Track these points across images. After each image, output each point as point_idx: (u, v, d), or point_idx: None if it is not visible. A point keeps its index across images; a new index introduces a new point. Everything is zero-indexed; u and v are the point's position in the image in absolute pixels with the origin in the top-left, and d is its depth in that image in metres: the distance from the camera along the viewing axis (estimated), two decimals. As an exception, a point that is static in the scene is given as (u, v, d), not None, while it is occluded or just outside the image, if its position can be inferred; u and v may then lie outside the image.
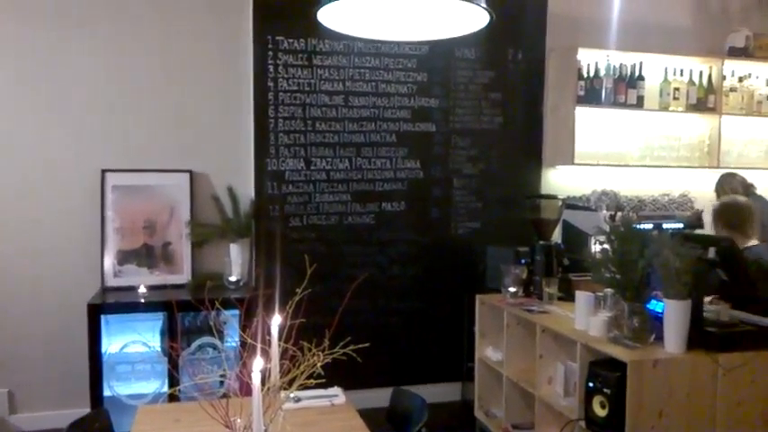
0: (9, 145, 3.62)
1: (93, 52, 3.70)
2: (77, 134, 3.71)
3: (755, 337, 2.47)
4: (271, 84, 3.89)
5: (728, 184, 4.19)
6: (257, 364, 1.34)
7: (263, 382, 1.46)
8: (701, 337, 2.40)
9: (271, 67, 3.89)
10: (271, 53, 3.88)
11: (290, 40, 3.90)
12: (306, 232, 4.00)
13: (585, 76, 4.29)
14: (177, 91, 3.83)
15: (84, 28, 3.68)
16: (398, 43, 4.05)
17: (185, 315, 3.58)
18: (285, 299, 1.74)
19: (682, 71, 4.45)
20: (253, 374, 1.34)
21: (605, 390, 2.40)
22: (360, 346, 1.61)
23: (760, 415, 2.45)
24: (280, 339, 1.63)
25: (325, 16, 1.84)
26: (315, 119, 3.98)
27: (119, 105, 3.76)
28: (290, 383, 1.60)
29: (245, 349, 1.58)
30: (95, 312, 3.34)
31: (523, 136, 4.36)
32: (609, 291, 2.67)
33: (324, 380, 1.56)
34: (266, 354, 1.60)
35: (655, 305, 2.51)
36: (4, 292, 3.64)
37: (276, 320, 1.69)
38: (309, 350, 1.57)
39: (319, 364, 1.53)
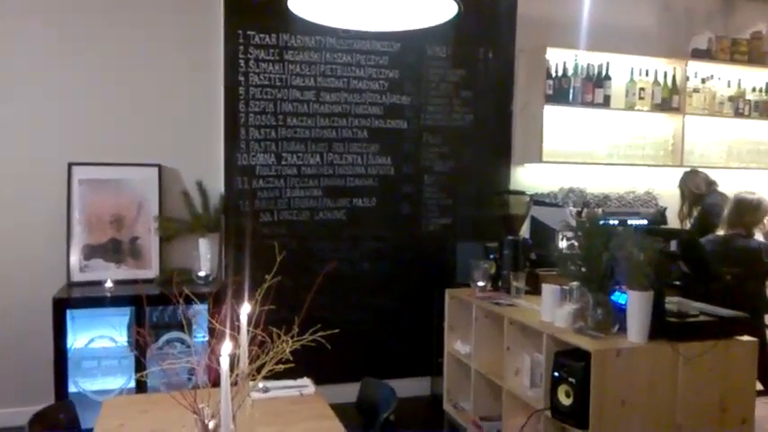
0: (-28, 137, 3.55)
1: (62, 45, 3.65)
2: (44, 127, 3.65)
3: (715, 327, 2.55)
4: (242, 78, 3.88)
5: (692, 181, 4.31)
6: (226, 347, 1.34)
7: (231, 369, 1.47)
8: (663, 327, 2.47)
9: (242, 62, 3.87)
10: (242, 48, 3.87)
11: (262, 35, 3.89)
12: (276, 227, 3.99)
13: (554, 75, 4.36)
14: (147, 85, 3.79)
15: (53, 20, 3.62)
16: (370, 40, 4.08)
17: (153, 310, 3.55)
18: (254, 292, 1.73)
19: (647, 71, 4.56)
20: (221, 358, 1.35)
21: (570, 379, 2.45)
22: (329, 332, 1.62)
23: (718, 402, 2.52)
24: (249, 325, 1.63)
25: (296, 5, 1.85)
26: (286, 114, 3.97)
27: (87, 99, 3.70)
28: (259, 370, 1.61)
29: (214, 336, 1.58)
30: (61, 307, 3.29)
31: (493, 134, 4.42)
32: (574, 284, 2.72)
33: (293, 364, 1.57)
34: (235, 340, 1.60)
35: (618, 297, 2.57)
36: (-35, 286, 3.57)
37: (245, 308, 1.70)
38: (279, 336, 1.57)
39: (288, 350, 1.53)
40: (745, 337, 2.57)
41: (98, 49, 3.71)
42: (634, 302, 2.44)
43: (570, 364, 2.46)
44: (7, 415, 3.59)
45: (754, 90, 4.83)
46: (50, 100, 3.65)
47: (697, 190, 4.27)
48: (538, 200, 4.11)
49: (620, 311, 2.53)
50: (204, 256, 3.74)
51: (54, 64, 3.65)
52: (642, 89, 4.53)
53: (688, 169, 4.45)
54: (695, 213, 4.26)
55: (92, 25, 3.69)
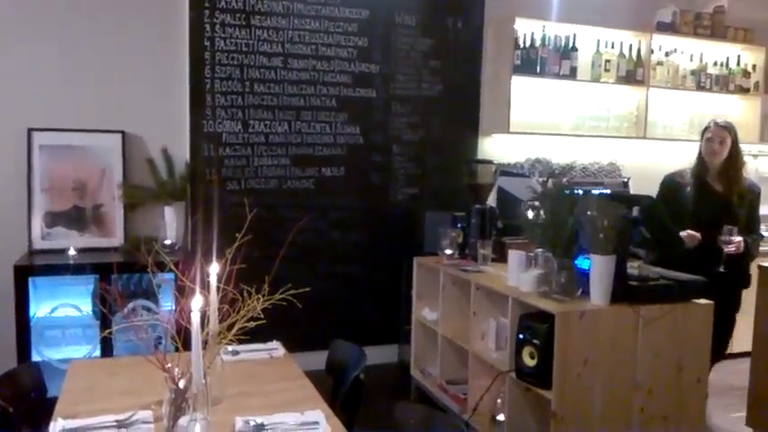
0: (-76, 99, 3.42)
1: (22, 10, 3.51)
2: (3, 90, 3.53)
3: (674, 290, 2.63)
4: (207, 43, 3.80)
5: None
6: (196, 302, 1.34)
7: (201, 327, 1.46)
8: (625, 290, 2.54)
9: (207, 26, 3.80)
10: (207, 12, 3.79)
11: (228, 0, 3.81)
12: (244, 196, 3.94)
13: (522, 46, 4.38)
14: (109, 48, 3.69)
15: (6, -23, 3.49)
16: (339, 6, 4.03)
17: (118, 279, 3.50)
18: (223, 252, 1.72)
19: (613, 44, 4.61)
20: (192, 314, 1.35)
21: (534, 341, 2.51)
22: (300, 290, 1.63)
23: (675, 363, 2.61)
24: (219, 283, 1.63)
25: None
26: (253, 80, 3.92)
27: (47, 62, 3.59)
28: (230, 329, 1.61)
29: (183, 295, 1.57)
30: (23, 275, 3.22)
31: (462, 104, 4.43)
32: (540, 250, 2.77)
33: (263, 320, 1.57)
34: (205, 298, 1.60)
35: (582, 262, 2.63)
36: None
37: (215, 267, 1.69)
38: (249, 295, 1.58)
39: (259, 308, 1.54)
40: (702, 301, 2.66)
41: (59, 14, 3.58)
42: (597, 266, 2.50)
43: (534, 326, 2.52)
44: (-32, 385, 3.52)
45: (715, 64, 4.93)
46: (8, 64, 3.52)
47: None
48: (505, 170, 4.15)
49: (584, 276, 2.59)
50: (170, 225, 3.70)
51: (13, 28, 3.52)
52: (608, 61, 4.58)
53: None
54: None
55: (50, -15, 3.56)
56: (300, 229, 4.04)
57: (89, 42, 3.65)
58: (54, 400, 1.94)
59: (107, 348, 3.34)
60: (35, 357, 3.30)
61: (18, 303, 3.21)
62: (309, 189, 4.11)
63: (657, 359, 2.58)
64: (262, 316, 1.55)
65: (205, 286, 1.62)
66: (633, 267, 2.70)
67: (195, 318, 1.33)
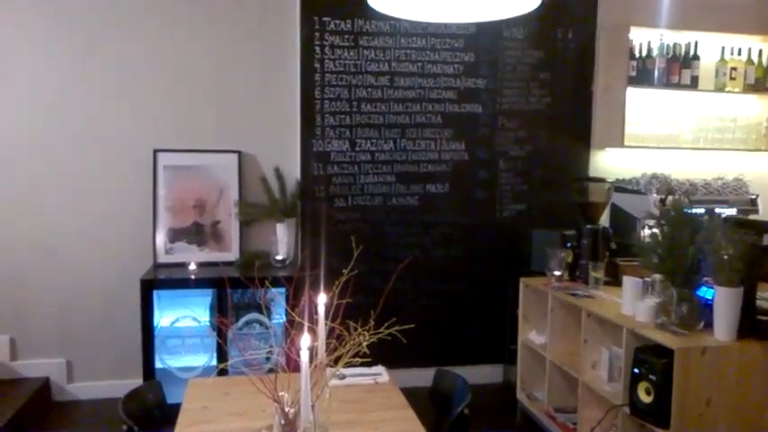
0: (69, 126, 3.75)
1: (148, 39, 3.79)
2: (132, 116, 3.81)
3: (811, 326, 2.40)
4: (317, 65, 3.92)
5: None
6: (305, 341, 1.38)
7: (310, 360, 1.50)
8: (753, 325, 2.35)
9: (317, 48, 3.91)
10: (317, 34, 3.90)
11: (337, 21, 3.91)
12: (350, 213, 4.04)
13: (637, 55, 4.17)
14: (226, 73, 3.89)
15: (138, 15, 3.76)
16: (446, 23, 4.02)
17: (233, 292, 3.68)
18: (330, 278, 1.76)
19: (740, 50, 4.29)
20: (301, 351, 1.38)
21: (651, 376, 2.38)
22: (404, 327, 1.63)
23: (813, 406, 2.38)
24: (326, 318, 1.66)
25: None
26: (360, 100, 3.99)
27: (172, 88, 3.84)
28: (336, 361, 1.64)
29: (293, 327, 1.62)
30: (148, 288, 3.46)
31: (572, 117, 4.29)
32: (657, 276, 2.62)
33: (369, 359, 1.59)
34: (313, 332, 1.64)
35: (705, 292, 2.46)
36: (62, 267, 3.80)
37: (323, 299, 1.73)
38: (355, 329, 1.60)
39: (365, 344, 1.56)
40: None
41: (182, 43, 3.83)
42: (722, 299, 2.33)
43: (651, 361, 2.38)
44: (101, 387, 3.84)
45: None
46: (140, 91, 3.80)
47: None
48: (619, 186, 3.98)
49: (707, 307, 2.42)
50: (281, 241, 3.83)
51: (143, 59, 3.79)
52: (734, 69, 4.27)
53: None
54: None
55: (171, 17, 3.81)
56: (405, 246, 4.10)
57: (208, 70, 3.87)
58: (172, 407, 2.07)
59: (222, 358, 3.51)
60: (158, 364, 3.53)
61: (144, 314, 3.45)
62: (414, 206, 4.12)
63: (792, 402, 2.36)
64: (368, 352, 1.57)
65: (314, 319, 1.66)
66: (764, 299, 2.48)
67: (304, 356, 1.36)
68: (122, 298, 3.79)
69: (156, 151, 3.82)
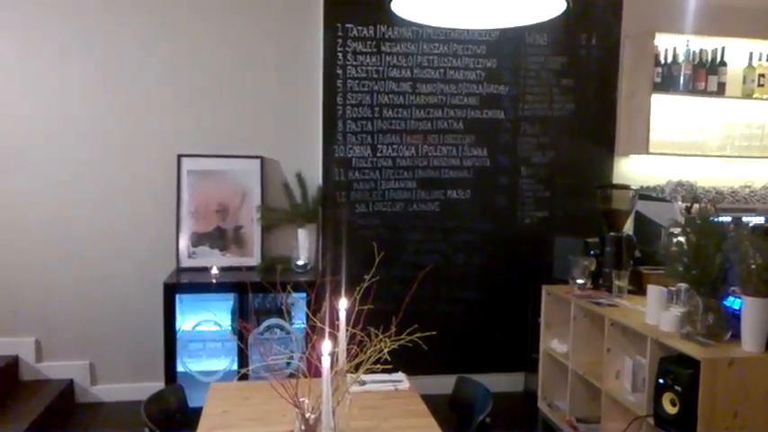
0: (94, 131, 3.81)
1: (172, 45, 3.84)
2: (156, 121, 3.86)
3: (842, 338, 2.34)
4: (339, 71, 3.93)
5: None
6: (326, 347, 1.37)
7: (331, 366, 1.50)
8: (783, 336, 2.29)
9: (340, 55, 3.93)
10: (340, 41, 3.92)
11: (360, 28, 3.92)
12: (371, 219, 4.04)
13: (663, 62, 4.12)
14: (249, 79, 3.93)
15: (162, 20, 3.82)
16: (468, 29, 4.01)
17: (255, 296, 3.69)
18: (351, 283, 1.77)
19: (768, 56, 4.22)
20: (322, 358, 1.38)
21: (676, 387, 2.33)
22: (426, 333, 1.63)
23: None
24: (347, 324, 1.66)
25: (398, 5, 1.85)
26: (382, 106, 3.99)
27: (195, 94, 3.88)
28: (357, 368, 1.64)
29: (314, 333, 1.62)
30: (171, 291, 3.49)
31: (596, 124, 4.25)
32: (683, 285, 2.58)
33: (390, 366, 1.59)
34: (334, 338, 1.64)
35: (732, 302, 2.41)
36: (87, 271, 3.86)
37: (344, 304, 1.73)
38: (376, 335, 1.59)
39: (386, 350, 1.55)
40: None
41: (206, 50, 3.87)
42: (749, 310, 2.28)
43: (677, 372, 2.34)
44: (123, 390, 3.88)
45: None
46: (164, 97, 3.85)
47: None
48: (643, 194, 3.93)
49: (734, 318, 2.37)
50: (303, 246, 3.85)
51: (168, 65, 3.84)
52: (762, 75, 4.20)
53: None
54: None
55: (195, 22, 3.85)
56: (426, 252, 4.09)
57: (231, 76, 3.91)
58: (193, 411, 2.08)
59: (243, 362, 3.53)
60: (179, 368, 3.55)
61: (166, 317, 3.48)
62: (435, 212, 4.11)
63: (822, 416, 2.30)
64: (389, 359, 1.56)
65: (334, 324, 1.66)
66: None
67: (326, 362, 1.36)
68: (145, 301, 3.83)
69: (180, 156, 3.85)
